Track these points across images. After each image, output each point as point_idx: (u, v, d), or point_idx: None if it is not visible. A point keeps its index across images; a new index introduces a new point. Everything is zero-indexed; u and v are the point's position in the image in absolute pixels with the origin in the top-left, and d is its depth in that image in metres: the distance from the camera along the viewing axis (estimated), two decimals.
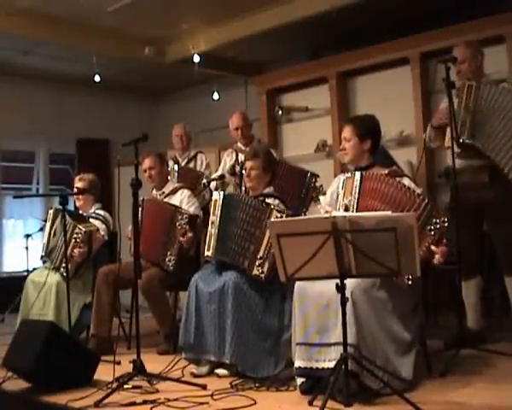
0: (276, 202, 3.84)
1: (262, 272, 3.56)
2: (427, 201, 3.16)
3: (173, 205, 4.58)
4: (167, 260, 4.38)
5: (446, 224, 3.10)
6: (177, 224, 4.37)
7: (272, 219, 3.51)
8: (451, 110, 3.72)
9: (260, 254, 3.58)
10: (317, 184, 4.57)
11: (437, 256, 3.07)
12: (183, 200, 4.71)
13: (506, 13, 5.11)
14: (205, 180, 5.36)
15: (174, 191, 4.80)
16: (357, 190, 3.35)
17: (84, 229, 4.68)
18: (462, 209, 3.84)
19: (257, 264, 3.58)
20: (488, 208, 3.97)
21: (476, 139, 3.80)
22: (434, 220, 3.10)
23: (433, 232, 3.09)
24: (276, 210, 3.63)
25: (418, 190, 3.28)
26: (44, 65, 7.48)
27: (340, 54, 6.39)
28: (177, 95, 8.79)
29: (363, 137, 3.47)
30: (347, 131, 3.52)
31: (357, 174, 3.40)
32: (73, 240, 4.62)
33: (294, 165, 5.09)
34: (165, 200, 4.72)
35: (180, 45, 7.26)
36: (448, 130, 3.85)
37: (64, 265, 4.41)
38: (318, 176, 4.62)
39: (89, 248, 4.70)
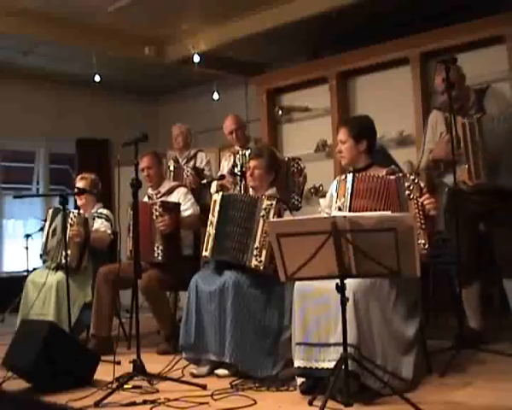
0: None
1: (260, 262, 3.56)
2: (395, 177, 3.31)
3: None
4: (155, 253, 4.41)
5: (414, 177, 3.26)
6: (154, 215, 4.41)
7: (264, 208, 3.59)
8: (451, 110, 3.71)
9: (256, 244, 3.59)
10: (300, 167, 4.54)
11: (428, 207, 3.20)
12: (179, 198, 4.72)
13: (506, 13, 5.12)
14: (205, 180, 5.36)
15: (171, 191, 4.81)
16: (350, 192, 3.38)
17: (77, 212, 4.82)
18: (462, 212, 3.84)
19: (254, 254, 3.58)
20: (493, 212, 3.93)
21: (496, 178, 3.74)
22: (407, 185, 3.24)
23: (412, 195, 3.22)
24: (267, 198, 3.65)
25: (421, 185, 3.33)
26: (44, 65, 7.48)
27: (340, 54, 6.39)
28: (177, 95, 8.80)
29: (359, 138, 3.47)
30: (342, 134, 3.52)
31: (349, 176, 3.43)
32: (69, 225, 4.67)
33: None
34: (162, 199, 4.72)
35: (180, 45, 7.26)
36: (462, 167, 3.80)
37: (65, 255, 4.44)
38: (300, 159, 4.61)
39: (85, 233, 4.75)
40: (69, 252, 4.49)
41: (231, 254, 3.69)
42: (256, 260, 3.57)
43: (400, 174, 3.33)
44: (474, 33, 5.27)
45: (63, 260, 4.67)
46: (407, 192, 3.23)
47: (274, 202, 3.62)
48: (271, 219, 3.44)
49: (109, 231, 4.98)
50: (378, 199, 3.30)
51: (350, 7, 5.90)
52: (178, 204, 4.61)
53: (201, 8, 6.41)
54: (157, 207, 4.44)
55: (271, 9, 6.40)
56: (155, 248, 4.42)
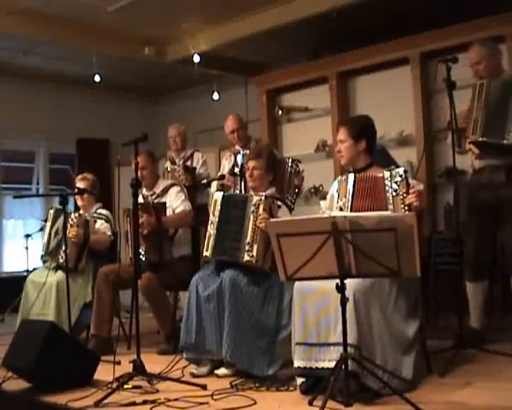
0: (278, 203, 3.87)
1: (252, 256, 3.59)
2: (382, 174, 3.34)
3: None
4: (142, 256, 4.41)
5: (401, 173, 3.28)
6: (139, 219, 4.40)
7: (254, 204, 3.65)
8: (452, 110, 3.72)
9: (247, 239, 3.63)
10: (298, 169, 4.54)
11: (410, 201, 3.20)
12: (171, 198, 4.73)
13: (506, 13, 5.11)
14: (205, 180, 5.36)
15: (165, 191, 4.80)
16: (351, 192, 3.39)
17: (78, 213, 4.85)
18: (479, 209, 3.85)
19: (246, 249, 3.61)
20: (505, 208, 3.92)
21: (489, 136, 3.73)
22: (394, 181, 3.27)
23: (398, 192, 3.25)
24: (256, 194, 3.71)
25: (420, 187, 3.36)
26: (44, 65, 7.49)
27: (340, 54, 6.39)
28: (177, 95, 8.80)
29: (358, 138, 3.48)
30: (342, 133, 3.53)
31: (351, 176, 3.45)
32: (69, 225, 4.67)
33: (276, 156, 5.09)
34: (157, 201, 4.72)
35: (180, 45, 7.26)
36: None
37: (63, 255, 4.44)
38: (299, 161, 4.61)
39: (85, 234, 4.74)
40: (69, 252, 4.49)
41: (230, 254, 3.70)
42: (248, 255, 3.60)
43: (388, 172, 3.34)
44: (474, 33, 5.25)
45: (60, 260, 4.70)
46: (394, 188, 3.26)
47: (263, 198, 3.66)
48: (272, 219, 3.44)
49: (109, 233, 4.98)
50: (373, 198, 3.33)
51: (350, 7, 5.90)
52: (162, 204, 4.60)
53: (201, 8, 6.41)
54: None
55: (271, 9, 6.40)
56: (141, 250, 4.43)
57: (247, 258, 3.61)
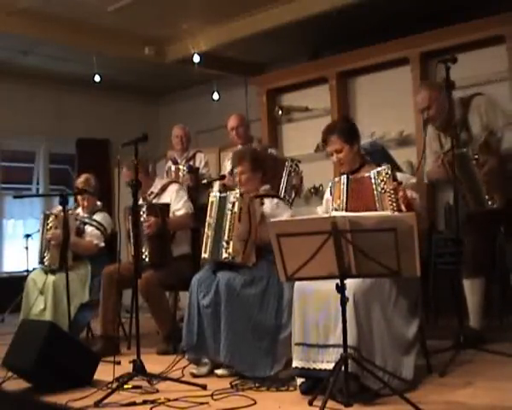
0: (275, 200, 3.88)
1: (229, 253, 3.61)
2: (368, 174, 3.37)
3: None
4: (144, 255, 4.41)
5: (386, 170, 3.28)
6: (142, 220, 4.38)
7: (231, 202, 3.68)
8: (452, 111, 3.72)
9: (225, 237, 3.65)
10: (297, 169, 4.54)
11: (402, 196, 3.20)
12: (171, 197, 4.72)
13: (506, 13, 5.12)
14: (205, 180, 5.36)
15: (163, 189, 4.79)
16: (345, 194, 3.40)
17: (55, 214, 4.83)
18: (482, 212, 3.87)
19: (224, 247, 3.64)
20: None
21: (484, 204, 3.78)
22: (380, 179, 3.29)
23: (385, 188, 3.25)
24: (231, 193, 3.76)
25: (413, 180, 3.45)
26: (44, 65, 7.49)
27: (340, 54, 6.39)
28: (177, 95, 8.80)
29: (351, 142, 3.50)
30: (335, 143, 3.50)
31: (343, 178, 3.46)
32: (45, 229, 4.70)
33: (277, 156, 5.09)
34: (155, 200, 4.71)
35: (180, 45, 7.26)
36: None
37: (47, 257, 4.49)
38: (299, 161, 4.60)
39: (64, 233, 4.61)
40: (49, 255, 4.50)
41: (217, 254, 3.71)
42: (226, 252, 3.62)
43: (375, 170, 3.35)
44: (474, 33, 5.26)
45: (45, 263, 4.76)
46: (381, 186, 3.28)
47: (237, 195, 3.69)
48: (272, 220, 3.44)
49: (96, 242, 4.93)
50: (363, 198, 3.35)
51: (350, 7, 5.90)
52: (166, 205, 4.60)
53: (201, 8, 6.41)
54: (144, 210, 4.42)
55: (271, 9, 6.40)
56: (143, 251, 4.42)
57: (224, 255, 3.64)
